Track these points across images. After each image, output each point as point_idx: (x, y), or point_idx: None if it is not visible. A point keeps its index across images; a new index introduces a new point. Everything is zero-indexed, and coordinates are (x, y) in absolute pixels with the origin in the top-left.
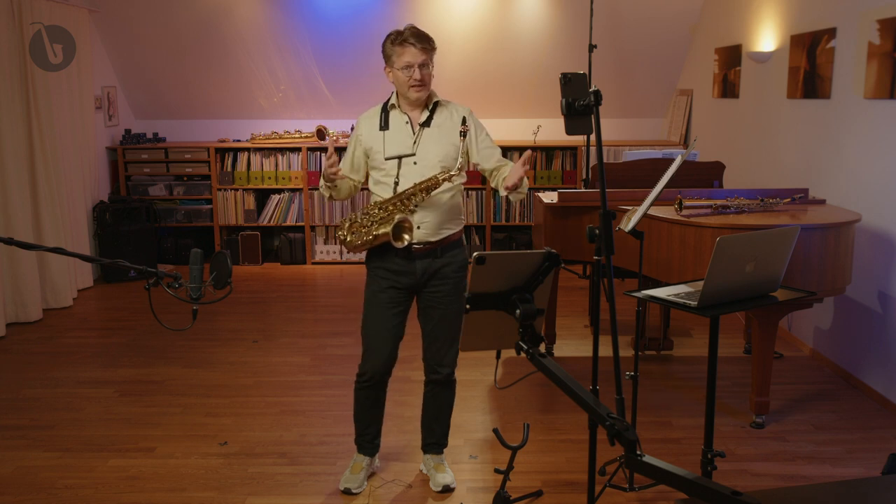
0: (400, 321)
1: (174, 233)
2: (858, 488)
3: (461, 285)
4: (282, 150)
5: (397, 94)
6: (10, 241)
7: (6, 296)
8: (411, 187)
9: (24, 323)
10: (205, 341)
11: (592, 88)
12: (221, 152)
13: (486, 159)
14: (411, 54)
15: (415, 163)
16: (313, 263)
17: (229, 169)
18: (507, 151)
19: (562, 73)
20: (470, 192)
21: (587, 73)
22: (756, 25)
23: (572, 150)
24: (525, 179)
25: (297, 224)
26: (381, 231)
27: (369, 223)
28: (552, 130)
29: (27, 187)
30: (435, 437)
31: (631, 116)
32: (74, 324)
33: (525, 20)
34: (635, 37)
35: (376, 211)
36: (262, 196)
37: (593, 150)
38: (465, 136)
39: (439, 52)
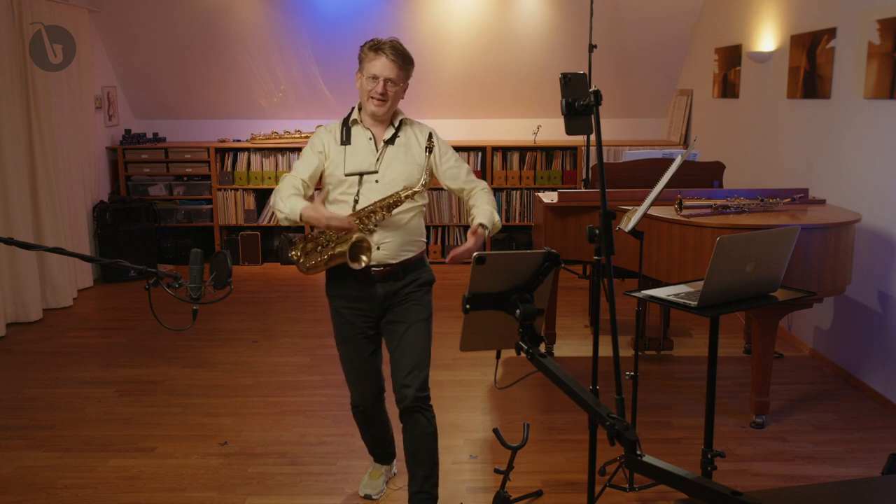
0: (375, 348)
1: (174, 233)
2: (858, 488)
3: (426, 301)
4: (282, 150)
5: (359, 107)
6: (10, 241)
7: (6, 296)
8: (371, 204)
9: (24, 323)
10: (205, 341)
11: (592, 88)
12: (221, 152)
13: (452, 179)
14: (381, 65)
15: (377, 181)
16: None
17: (229, 169)
18: (506, 151)
19: (562, 73)
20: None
21: (587, 73)
22: (756, 25)
23: (572, 150)
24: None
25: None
26: (338, 251)
27: (325, 242)
28: (552, 130)
29: (27, 187)
30: (418, 485)
31: (631, 116)
32: (74, 324)
33: (525, 20)
34: (635, 37)
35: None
36: (262, 196)
37: (593, 150)
38: (430, 152)
39: (439, 52)
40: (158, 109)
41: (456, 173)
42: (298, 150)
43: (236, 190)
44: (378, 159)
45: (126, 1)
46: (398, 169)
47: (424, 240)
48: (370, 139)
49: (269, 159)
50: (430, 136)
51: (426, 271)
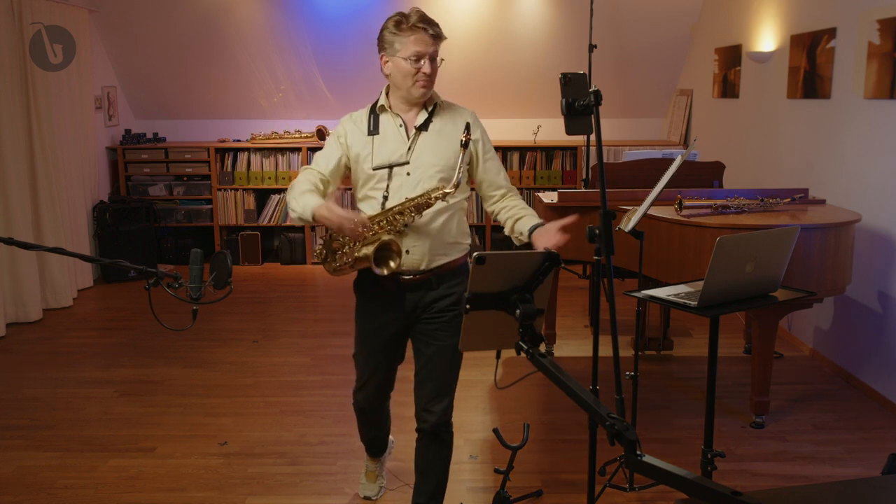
0: (394, 355)
1: (174, 233)
2: (858, 488)
3: (459, 323)
4: (282, 150)
5: (387, 92)
6: (10, 241)
7: (6, 296)
8: (400, 204)
9: (24, 323)
10: (205, 341)
11: (592, 88)
12: (221, 152)
13: (489, 175)
14: (423, 42)
15: (408, 173)
16: (313, 263)
17: (229, 169)
18: (506, 151)
19: (562, 73)
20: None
21: (587, 73)
22: (756, 25)
23: (572, 150)
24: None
25: (297, 224)
26: (362, 254)
27: (352, 243)
28: (552, 130)
29: (27, 187)
30: (423, 498)
31: (631, 116)
32: (74, 324)
33: (525, 20)
34: (635, 37)
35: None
36: (262, 196)
37: (593, 150)
38: (466, 147)
39: (439, 52)
40: (158, 109)
41: (495, 167)
42: (298, 150)
43: (236, 190)
44: (409, 148)
45: (126, 1)
46: (432, 159)
47: (467, 242)
48: (401, 126)
49: (269, 159)
50: (468, 126)
51: (465, 282)
